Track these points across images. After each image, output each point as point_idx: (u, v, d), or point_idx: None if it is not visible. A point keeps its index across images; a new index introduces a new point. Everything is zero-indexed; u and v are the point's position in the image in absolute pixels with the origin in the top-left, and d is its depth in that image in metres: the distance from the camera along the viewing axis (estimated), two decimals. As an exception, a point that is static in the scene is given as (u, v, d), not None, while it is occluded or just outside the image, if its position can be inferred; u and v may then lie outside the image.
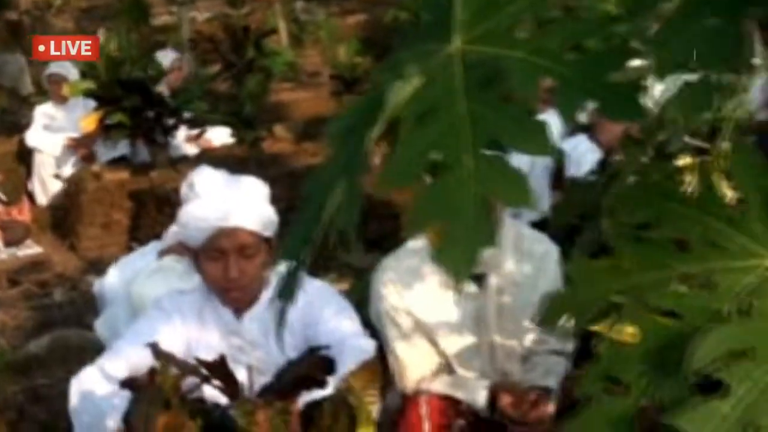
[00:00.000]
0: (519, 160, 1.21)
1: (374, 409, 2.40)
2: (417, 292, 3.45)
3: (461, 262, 1.19)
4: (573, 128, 5.56)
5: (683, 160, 1.64)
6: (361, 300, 3.62)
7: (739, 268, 1.48)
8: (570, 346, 3.38)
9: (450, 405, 3.45)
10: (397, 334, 3.50)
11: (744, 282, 1.47)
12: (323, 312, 3.31)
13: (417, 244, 3.48)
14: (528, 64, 1.21)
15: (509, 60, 1.22)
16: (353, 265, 4.61)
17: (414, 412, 3.42)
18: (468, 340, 3.50)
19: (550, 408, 3.34)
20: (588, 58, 1.19)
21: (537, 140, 1.19)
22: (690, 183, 1.54)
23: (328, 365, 2.48)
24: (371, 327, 3.47)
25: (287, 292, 1.34)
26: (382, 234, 5.07)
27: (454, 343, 3.51)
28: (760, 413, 1.37)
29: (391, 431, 3.30)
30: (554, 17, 1.26)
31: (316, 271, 3.89)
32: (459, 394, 3.46)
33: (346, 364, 2.55)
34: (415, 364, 3.50)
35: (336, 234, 1.28)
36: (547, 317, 1.59)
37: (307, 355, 2.59)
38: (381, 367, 3.19)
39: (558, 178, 4.81)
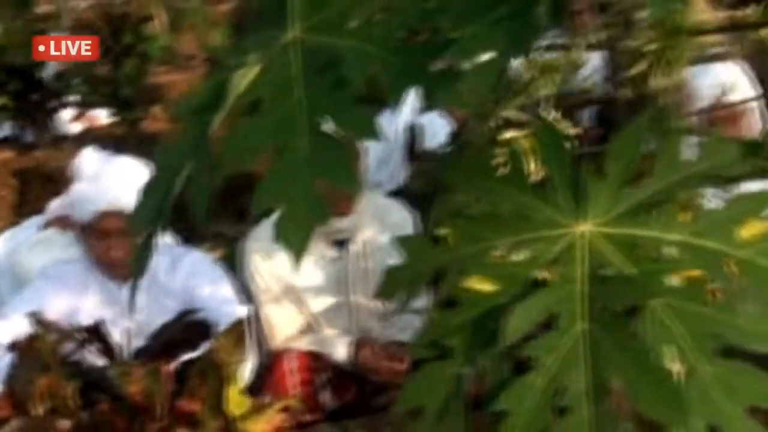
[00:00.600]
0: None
1: (242, 368, 2.42)
2: (283, 258, 3.44)
3: (297, 239, 1.23)
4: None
5: (507, 135, 1.66)
6: (233, 267, 3.63)
7: (548, 237, 1.49)
8: (424, 302, 3.43)
9: (315, 360, 3.49)
10: (266, 297, 3.53)
11: (553, 250, 1.48)
12: (200, 280, 3.37)
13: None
14: (358, 52, 1.21)
15: (342, 48, 1.23)
16: (226, 234, 4.60)
17: (281, 368, 3.45)
18: (332, 301, 3.56)
19: (406, 361, 3.40)
20: (412, 47, 1.20)
21: (364, 125, 1.21)
22: (506, 158, 1.56)
23: (203, 329, 2.49)
24: (244, 292, 3.50)
25: (140, 262, 1.34)
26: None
27: (319, 304, 3.56)
28: (563, 378, 1.38)
29: (261, 387, 3.32)
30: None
31: (192, 241, 3.88)
32: (323, 350, 3.51)
33: (220, 328, 2.57)
34: (283, 325, 3.55)
35: (201, 207, 1.29)
36: (384, 290, 1.61)
37: (181, 319, 2.60)
38: (252, 328, 3.24)
39: (413, 151, 4.88)
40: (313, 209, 1.22)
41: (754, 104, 3.53)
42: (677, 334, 1.41)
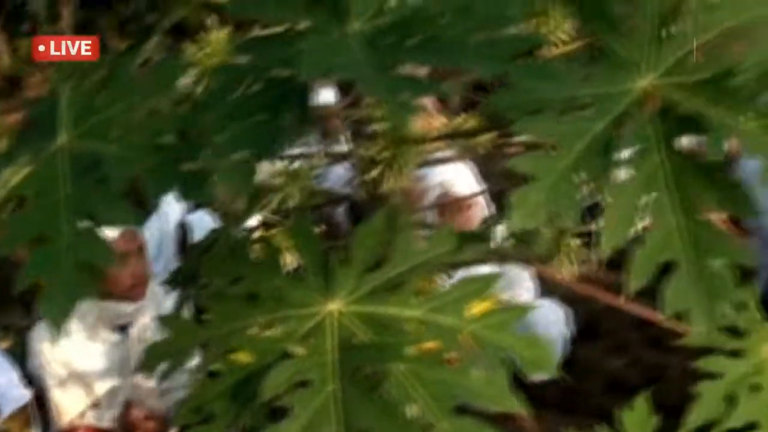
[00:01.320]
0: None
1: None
2: (69, 345, 3.39)
3: (59, 314, 1.25)
4: (197, 203, 5.56)
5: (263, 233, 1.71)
6: (21, 355, 3.51)
7: (300, 315, 1.52)
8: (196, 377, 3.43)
9: (100, 434, 3.45)
10: (53, 382, 3.42)
11: (305, 326, 1.51)
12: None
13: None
14: (121, 157, 1.25)
15: (106, 154, 1.26)
16: (15, 324, 4.40)
17: (69, 445, 3.38)
18: (115, 381, 3.48)
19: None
20: (168, 151, 1.24)
21: (124, 215, 1.25)
22: (261, 249, 1.59)
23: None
24: (31, 378, 3.40)
25: None
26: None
27: (104, 385, 3.47)
28: (316, 428, 1.40)
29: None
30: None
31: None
32: (105, 425, 3.45)
33: (5, 412, 2.46)
34: (70, 406, 3.44)
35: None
36: (146, 363, 1.59)
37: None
38: (36, 411, 3.13)
39: (183, 246, 4.87)
40: (72, 288, 1.24)
41: (479, 198, 3.68)
42: (418, 396, 1.44)
